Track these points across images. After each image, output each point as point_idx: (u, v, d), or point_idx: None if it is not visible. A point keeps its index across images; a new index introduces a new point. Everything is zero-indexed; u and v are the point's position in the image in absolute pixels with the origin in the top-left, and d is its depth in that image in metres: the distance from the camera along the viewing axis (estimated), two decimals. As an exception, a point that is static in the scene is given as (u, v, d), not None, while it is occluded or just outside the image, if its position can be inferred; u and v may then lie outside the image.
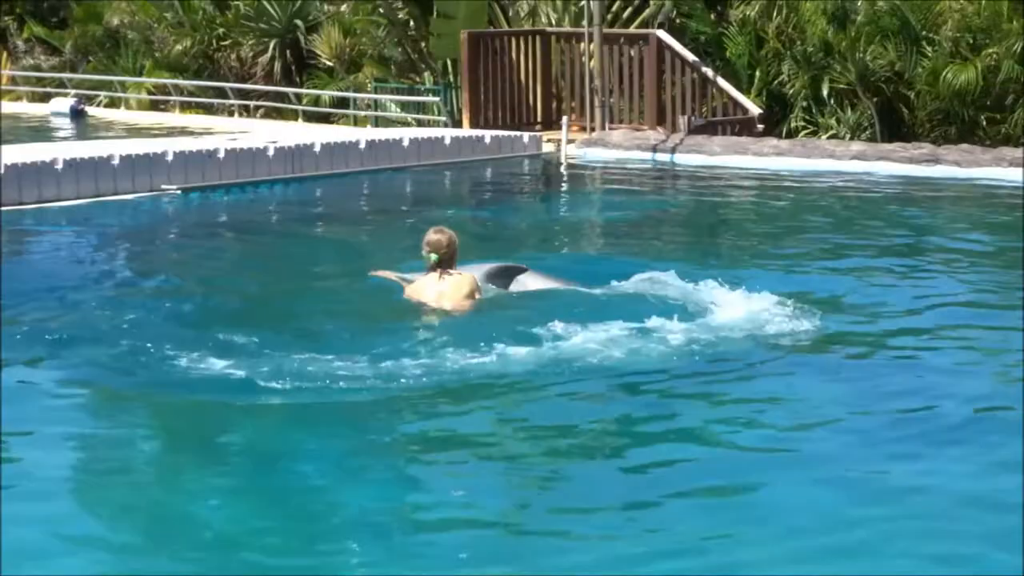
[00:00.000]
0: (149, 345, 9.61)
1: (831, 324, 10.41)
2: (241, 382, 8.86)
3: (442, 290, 10.85)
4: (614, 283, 11.18)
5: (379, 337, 9.87)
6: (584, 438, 8.28)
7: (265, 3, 30.49)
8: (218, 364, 9.16)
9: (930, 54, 23.16)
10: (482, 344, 9.51)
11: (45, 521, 6.74)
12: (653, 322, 9.93)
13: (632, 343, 9.64)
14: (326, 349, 9.43)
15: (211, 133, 24.30)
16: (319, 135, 22.14)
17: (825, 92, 23.84)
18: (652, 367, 9.41)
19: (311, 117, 28.02)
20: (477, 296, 10.93)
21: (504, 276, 11.32)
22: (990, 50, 22.70)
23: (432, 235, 10.99)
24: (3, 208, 16.66)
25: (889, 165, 20.21)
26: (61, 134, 26.29)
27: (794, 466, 7.59)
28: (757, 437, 8.15)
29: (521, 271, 11.43)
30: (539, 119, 25.27)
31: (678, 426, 8.44)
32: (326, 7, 30.51)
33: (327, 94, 28.45)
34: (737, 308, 10.36)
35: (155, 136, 23.94)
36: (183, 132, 25.11)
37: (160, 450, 8.31)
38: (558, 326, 9.83)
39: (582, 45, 24.41)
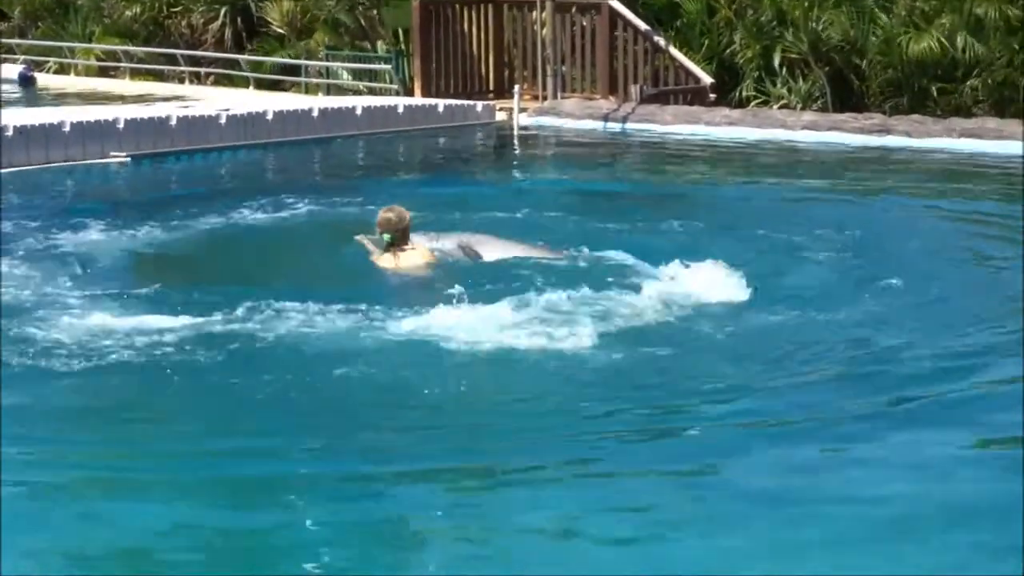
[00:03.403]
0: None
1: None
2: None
3: (398, 266, 10.94)
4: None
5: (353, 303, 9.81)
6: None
7: (215, -31, 30.32)
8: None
9: (883, 23, 23.28)
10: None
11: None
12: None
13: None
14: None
15: (162, 100, 24.21)
16: (272, 103, 22.03)
17: (777, 62, 23.89)
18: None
19: (262, 84, 27.75)
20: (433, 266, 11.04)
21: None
22: (942, 20, 22.78)
23: (383, 214, 11.04)
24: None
25: (840, 135, 20.15)
26: (10, 101, 25.80)
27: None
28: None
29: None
30: (491, 88, 25.14)
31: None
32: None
33: (278, 61, 28.28)
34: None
35: (105, 103, 23.84)
36: (134, 99, 25.00)
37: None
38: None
39: (534, 14, 24.31)
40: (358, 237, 11.65)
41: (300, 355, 8.77)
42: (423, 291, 10.30)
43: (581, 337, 9.00)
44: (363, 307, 9.67)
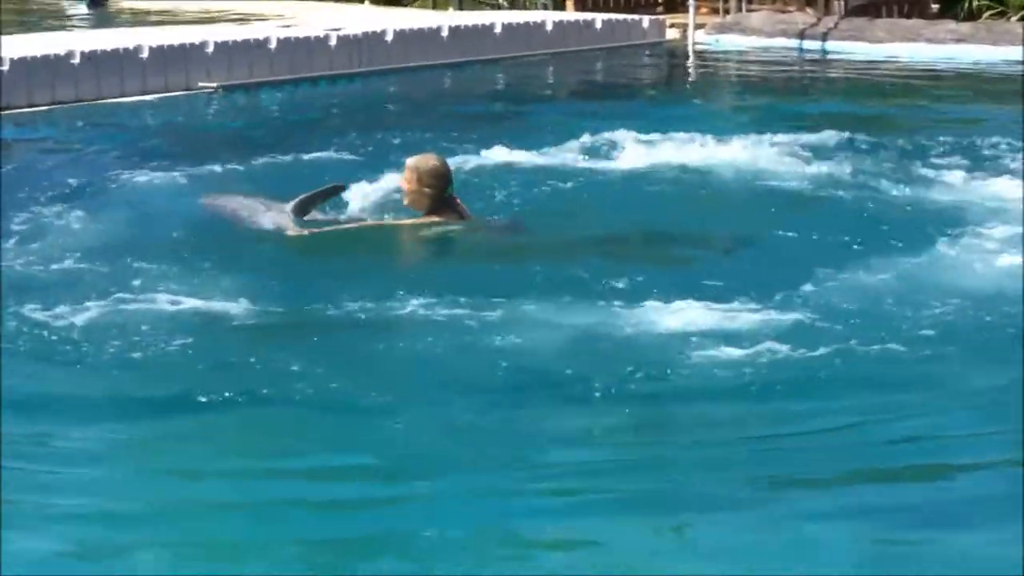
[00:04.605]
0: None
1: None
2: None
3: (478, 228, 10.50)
4: None
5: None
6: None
7: None
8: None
9: None
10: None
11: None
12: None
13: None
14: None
15: (259, 19, 24.04)
16: (392, 21, 21.64)
17: (1014, -37, 23.08)
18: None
19: (380, 0, 27.51)
20: None
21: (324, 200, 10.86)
22: None
23: (436, 163, 10.42)
24: (10, 111, 16.44)
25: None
26: (78, 22, 25.91)
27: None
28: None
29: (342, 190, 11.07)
30: (660, 0, 25.20)
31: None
32: None
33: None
34: None
35: (192, 24, 23.54)
36: (225, 19, 24.85)
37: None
38: None
39: (712, -90, 24.07)
40: (294, 232, 10.43)
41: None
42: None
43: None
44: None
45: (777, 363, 7.67)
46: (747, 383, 7.47)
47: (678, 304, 8.45)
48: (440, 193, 10.32)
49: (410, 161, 10.42)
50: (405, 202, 10.44)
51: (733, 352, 7.76)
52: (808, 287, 8.84)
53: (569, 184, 12.00)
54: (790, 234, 10.32)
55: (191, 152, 14.10)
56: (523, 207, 11.22)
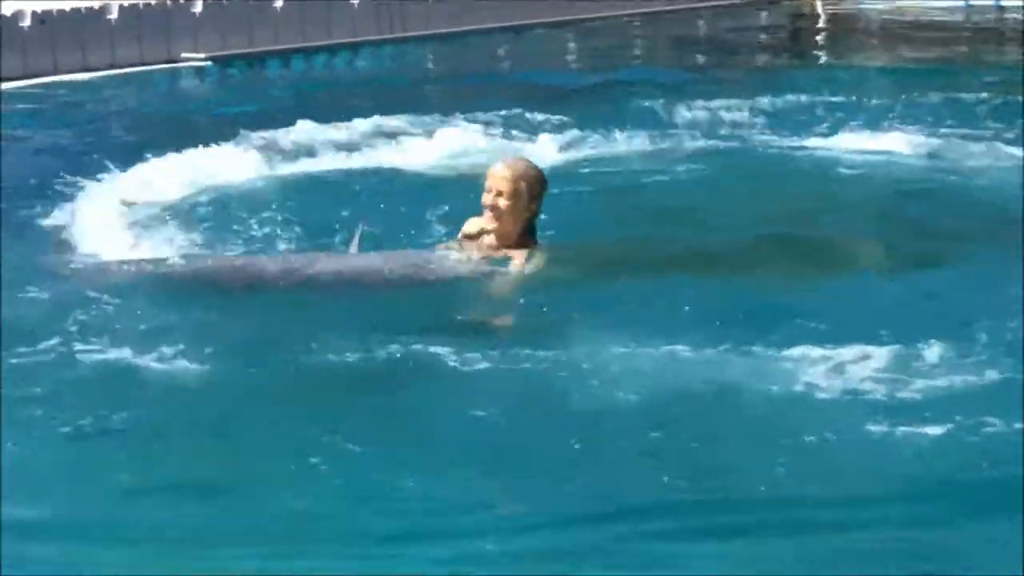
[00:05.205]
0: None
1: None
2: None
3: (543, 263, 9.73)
4: None
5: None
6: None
7: None
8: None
9: None
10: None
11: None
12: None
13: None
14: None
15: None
16: (430, -24, 21.28)
17: None
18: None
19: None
20: None
21: None
22: None
23: (533, 169, 9.47)
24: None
25: None
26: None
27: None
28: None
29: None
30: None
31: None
32: None
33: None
34: None
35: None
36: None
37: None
38: None
39: None
40: (469, 267, 9.69)
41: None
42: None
43: None
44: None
45: (987, 447, 6.64)
46: (944, 483, 6.43)
47: (825, 351, 7.57)
48: (538, 209, 9.46)
49: (506, 170, 9.37)
50: (493, 226, 9.36)
51: (921, 431, 6.73)
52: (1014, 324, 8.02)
53: (667, 178, 11.67)
54: (981, 249, 9.65)
55: (172, 143, 13.37)
56: (612, 209, 10.82)
